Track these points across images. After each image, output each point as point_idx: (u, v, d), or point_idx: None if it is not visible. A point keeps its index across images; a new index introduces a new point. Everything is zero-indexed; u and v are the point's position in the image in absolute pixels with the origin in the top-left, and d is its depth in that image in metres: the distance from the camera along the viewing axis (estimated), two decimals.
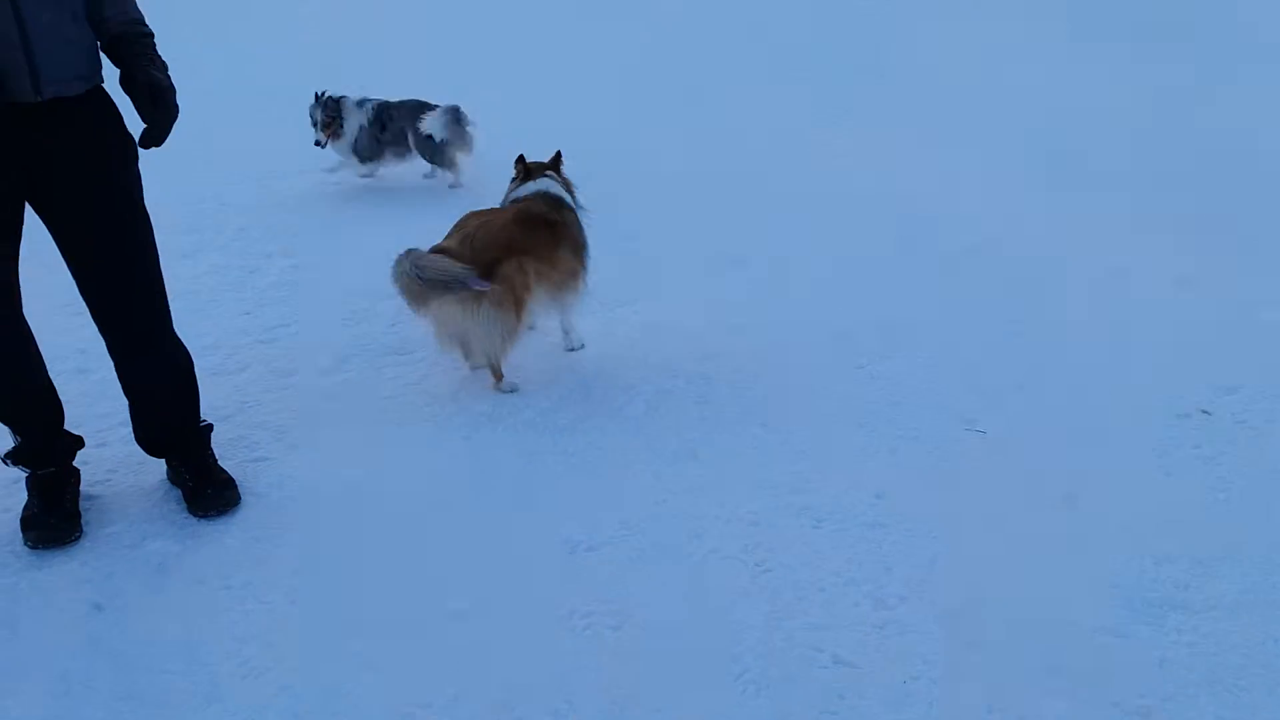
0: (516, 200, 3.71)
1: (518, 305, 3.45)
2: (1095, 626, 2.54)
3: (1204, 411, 3.42)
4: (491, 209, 3.76)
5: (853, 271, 4.56)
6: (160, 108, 2.61)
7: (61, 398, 2.96)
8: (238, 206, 5.50)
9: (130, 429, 3.08)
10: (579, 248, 3.75)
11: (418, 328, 4.01)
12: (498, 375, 3.58)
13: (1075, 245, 4.77)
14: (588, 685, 2.38)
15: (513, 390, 3.59)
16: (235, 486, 3.01)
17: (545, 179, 3.78)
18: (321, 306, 4.27)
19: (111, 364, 2.96)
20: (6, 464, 2.93)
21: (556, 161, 3.92)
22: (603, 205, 4.00)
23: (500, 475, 3.14)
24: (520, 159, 3.87)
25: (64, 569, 2.74)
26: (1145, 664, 2.43)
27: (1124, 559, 2.76)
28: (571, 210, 3.78)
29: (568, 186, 3.87)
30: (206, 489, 2.97)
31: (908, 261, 4.66)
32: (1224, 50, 8.29)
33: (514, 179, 3.86)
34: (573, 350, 3.88)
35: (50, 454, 2.94)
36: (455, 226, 3.60)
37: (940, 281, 4.44)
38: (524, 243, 3.49)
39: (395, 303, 4.20)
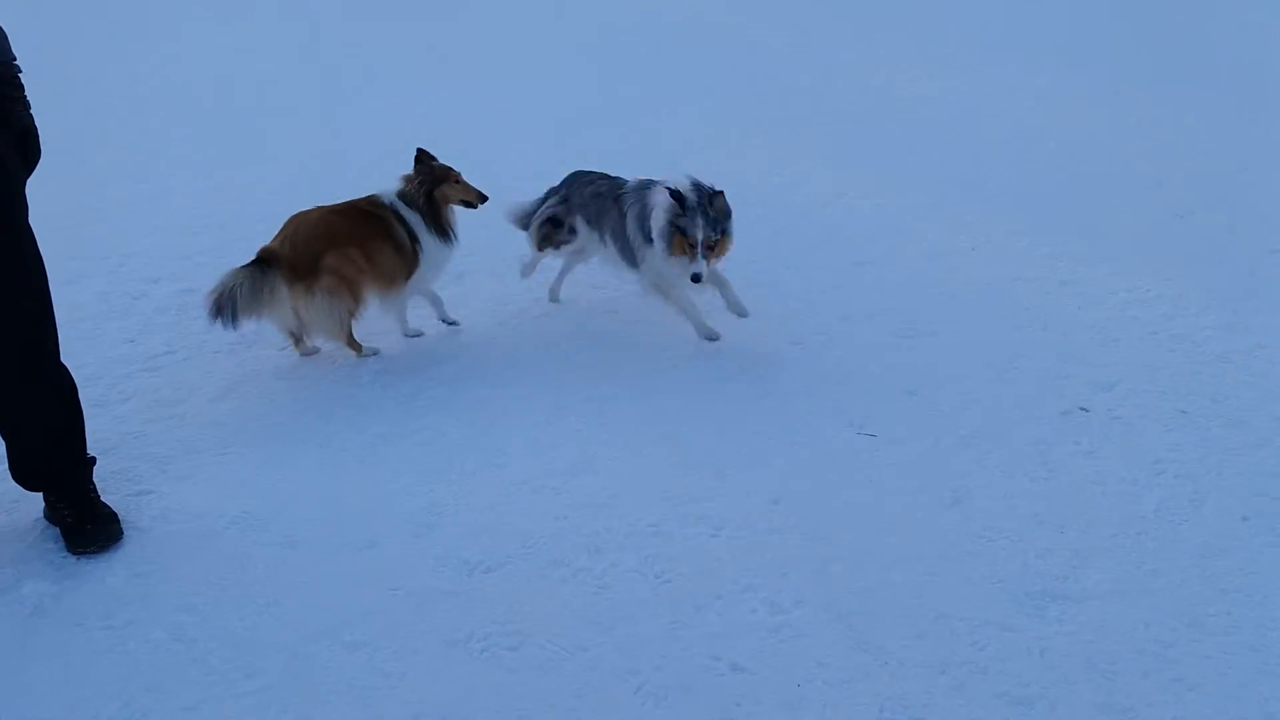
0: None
1: (351, 289, 3.76)
2: (981, 620, 2.62)
3: (1082, 409, 3.56)
4: (314, 207, 3.94)
5: (747, 282, 4.61)
6: (31, 153, 2.77)
7: None
8: (125, 230, 5.31)
9: (4, 466, 2.95)
10: (400, 249, 3.93)
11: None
12: (355, 348, 3.91)
13: (962, 254, 4.93)
14: (485, 708, 2.36)
15: (374, 353, 3.95)
16: (118, 521, 2.90)
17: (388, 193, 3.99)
18: (210, 332, 4.13)
19: None
20: None
21: (421, 173, 4.00)
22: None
23: (397, 498, 3.10)
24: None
25: None
26: (1028, 654, 2.51)
27: (1008, 554, 2.86)
28: (395, 212, 3.95)
29: (419, 201, 3.97)
30: (87, 524, 2.86)
31: (801, 272, 4.75)
32: (1112, 68, 8.68)
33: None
34: (413, 336, 4.13)
35: None
36: (280, 229, 3.82)
37: (832, 291, 4.54)
38: (346, 233, 3.78)
39: None
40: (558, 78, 8.38)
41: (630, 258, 4.07)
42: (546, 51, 9.22)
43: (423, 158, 4.00)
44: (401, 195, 3.98)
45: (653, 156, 6.03)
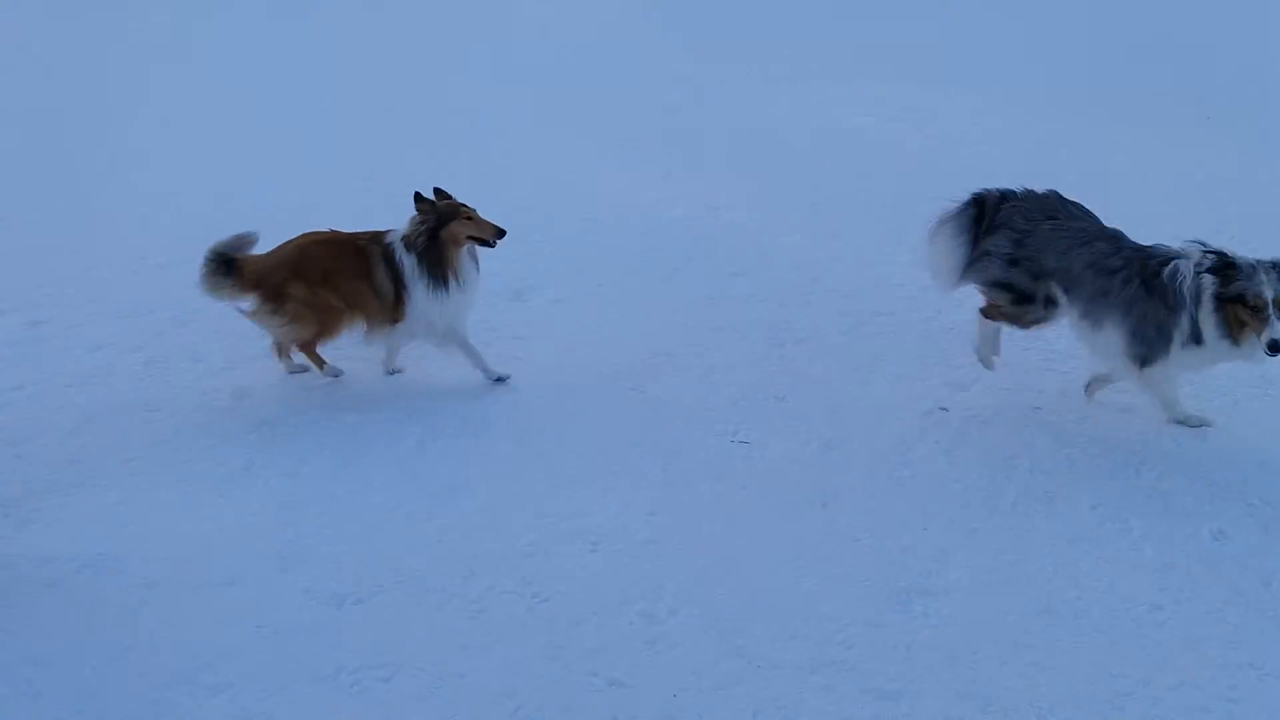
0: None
1: (321, 324, 3.71)
2: (849, 619, 2.69)
3: (942, 408, 3.70)
4: (331, 232, 3.82)
5: (627, 299, 4.65)
6: None
7: None
8: None
9: None
10: (378, 293, 3.72)
11: (167, 380, 3.82)
12: (318, 362, 3.87)
13: (828, 263, 5.05)
14: None
15: (336, 375, 3.88)
16: None
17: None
18: (62, 365, 3.96)
19: None
20: None
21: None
22: None
23: (259, 532, 3.00)
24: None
25: None
26: (895, 649, 2.60)
27: (874, 552, 2.94)
28: (389, 253, 3.71)
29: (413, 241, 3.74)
30: None
31: (674, 284, 4.81)
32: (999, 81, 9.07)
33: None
34: (391, 373, 3.97)
35: None
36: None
37: (705, 303, 4.60)
38: (318, 268, 3.67)
39: (143, 355, 4.01)
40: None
41: (1144, 353, 3.34)
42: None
43: (422, 199, 3.68)
44: (404, 238, 3.69)
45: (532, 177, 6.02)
